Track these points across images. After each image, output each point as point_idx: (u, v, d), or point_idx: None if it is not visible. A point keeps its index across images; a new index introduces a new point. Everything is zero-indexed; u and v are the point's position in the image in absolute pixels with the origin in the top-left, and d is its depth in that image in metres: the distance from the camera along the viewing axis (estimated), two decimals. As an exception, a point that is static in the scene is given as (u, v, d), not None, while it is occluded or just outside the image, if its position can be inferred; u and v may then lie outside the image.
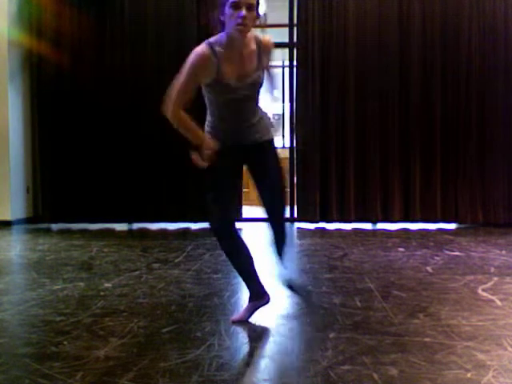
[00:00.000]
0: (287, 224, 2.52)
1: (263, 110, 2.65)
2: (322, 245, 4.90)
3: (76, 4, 6.32)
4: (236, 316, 2.61)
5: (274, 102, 10.35)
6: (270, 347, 2.24)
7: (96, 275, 3.62)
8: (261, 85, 2.55)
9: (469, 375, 1.91)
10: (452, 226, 6.17)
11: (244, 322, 2.56)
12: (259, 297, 2.61)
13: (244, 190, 6.59)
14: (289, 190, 6.68)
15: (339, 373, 1.93)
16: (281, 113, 11.44)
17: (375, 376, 1.90)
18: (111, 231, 6.04)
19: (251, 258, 2.64)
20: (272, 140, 2.65)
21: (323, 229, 6.08)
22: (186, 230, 6.09)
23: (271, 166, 2.63)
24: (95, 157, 6.34)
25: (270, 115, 2.69)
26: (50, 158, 6.42)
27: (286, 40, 6.56)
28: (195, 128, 2.48)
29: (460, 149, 6.16)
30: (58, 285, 3.34)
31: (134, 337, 2.34)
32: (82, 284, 3.36)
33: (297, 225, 6.34)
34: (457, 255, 4.29)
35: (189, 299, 2.98)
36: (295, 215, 6.49)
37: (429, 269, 3.75)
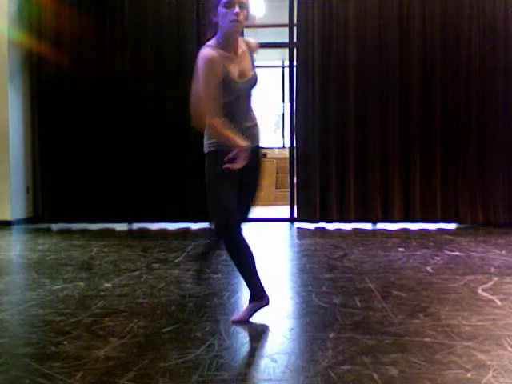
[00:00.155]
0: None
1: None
2: (322, 245, 4.90)
3: (76, 4, 6.32)
4: (236, 316, 2.61)
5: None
6: (270, 347, 2.24)
7: (96, 275, 3.62)
8: (255, 83, 2.62)
9: (469, 375, 1.91)
10: (452, 225, 6.17)
11: (244, 322, 2.56)
12: (259, 298, 2.62)
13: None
14: (289, 189, 6.69)
15: (339, 373, 1.93)
16: (281, 113, 11.44)
17: (375, 376, 1.90)
18: (111, 231, 6.04)
19: (254, 259, 2.65)
20: (260, 146, 2.74)
21: (323, 229, 6.08)
22: (186, 230, 6.09)
23: (259, 172, 2.71)
24: (95, 157, 6.34)
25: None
26: (50, 158, 6.42)
27: (286, 40, 6.57)
28: (232, 131, 2.49)
29: (460, 149, 6.16)
30: (58, 285, 3.34)
31: (133, 337, 2.34)
32: (81, 284, 3.36)
33: (297, 225, 6.35)
34: (457, 255, 4.29)
35: (189, 299, 2.98)
36: (295, 215, 6.49)
37: (429, 269, 3.75)
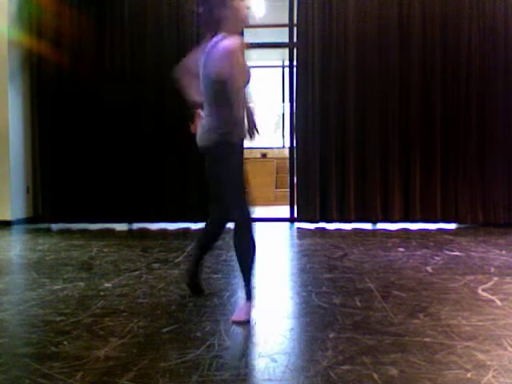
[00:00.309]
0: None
1: None
2: (322, 245, 4.90)
3: (76, 4, 6.33)
4: (236, 317, 2.61)
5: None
6: (270, 347, 2.24)
7: (96, 275, 3.62)
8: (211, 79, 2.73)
9: (469, 375, 1.91)
10: (452, 226, 6.17)
11: (244, 322, 2.56)
12: (252, 296, 2.66)
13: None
14: (289, 189, 6.70)
15: (339, 373, 1.93)
16: (281, 113, 11.45)
17: (375, 376, 1.90)
18: (111, 231, 6.04)
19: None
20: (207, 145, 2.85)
21: (323, 229, 6.08)
22: (186, 230, 6.09)
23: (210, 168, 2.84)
24: (95, 157, 6.34)
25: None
26: (50, 158, 6.42)
27: (286, 40, 6.57)
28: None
29: (460, 149, 6.16)
30: (58, 285, 3.34)
31: (134, 337, 2.34)
32: (82, 284, 3.36)
33: (297, 225, 6.35)
34: (457, 255, 4.29)
35: (189, 299, 2.98)
36: (295, 215, 6.49)
37: (429, 269, 3.75)
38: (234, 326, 2.51)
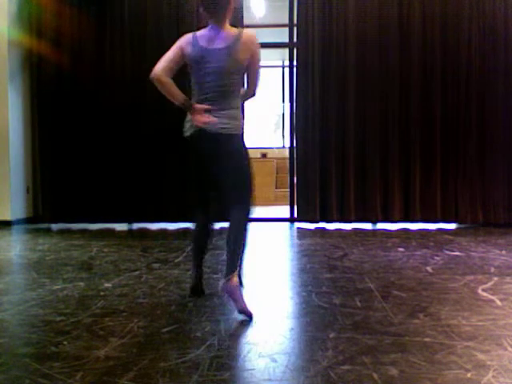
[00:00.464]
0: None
1: None
2: (322, 245, 4.90)
3: (76, 4, 6.33)
4: (240, 304, 2.60)
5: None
6: (270, 347, 2.24)
7: (96, 275, 3.62)
8: None
9: (469, 375, 1.91)
10: (452, 225, 6.17)
11: (244, 319, 2.58)
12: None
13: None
14: (289, 189, 6.70)
15: (339, 373, 1.93)
16: (281, 113, 11.45)
17: (375, 376, 1.90)
18: (111, 231, 6.04)
19: None
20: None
21: (323, 229, 6.08)
22: (186, 230, 6.08)
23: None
24: (95, 157, 6.35)
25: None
26: (50, 158, 6.43)
27: (286, 40, 6.57)
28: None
29: (460, 149, 6.16)
30: (57, 285, 3.34)
31: (133, 337, 2.34)
32: (82, 284, 3.36)
33: (297, 225, 6.35)
34: (457, 255, 4.29)
35: (189, 299, 2.98)
36: (295, 215, 6.49)
37: (429, 269, 3.75)
38: (233, 326, 2.51)
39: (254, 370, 2.00)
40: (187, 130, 2.82)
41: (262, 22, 8.36)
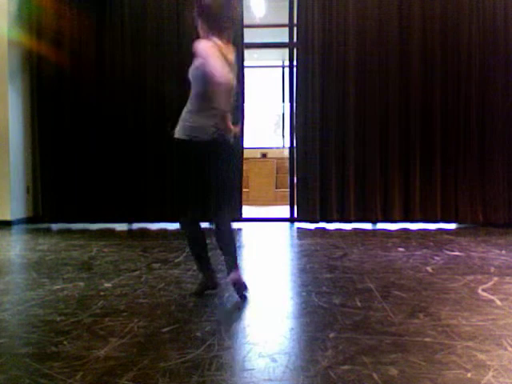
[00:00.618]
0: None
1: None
2: (322, 245, 4.89)
3: (76, 4, 6.33)
4: (237, 275, 2.90)
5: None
6: (270, 347, 2.24)
7: (96, 275, 3.62)
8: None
9: (469, 375, 1.91)
10: (452, 225, 6.17)
11: (242, 307, 2.72)
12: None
13: (244, 190, 6.59)
14: (289, 189, 6.70)
15: (339, 373, 1.93)
16: (281, 113, 11.45)
17: (375, 376, 1.90)
18: (111, 231, 6.04)
19: None
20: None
21: (323, 229, 6.08)
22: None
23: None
24: (95, 157, 6.34)
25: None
26: (50, 158, 6.42)
27: (286, 40, 6.57)
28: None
29: (460, 149, 6.16)
30: (57, 285, 3.34)
31: (133, 337, 2.34)
32: (81, 284, 3.36)
33: (297, 225, 6.35)
34: (457, 255, 4.29)
35: (189, 299, 2.98)
36: (295, 215, 6.49)
37: (429, 269, 3.75)
38: (233, 326, 2.51)
39: (253, 369, 2.00)
40: (211, 134, 2.83)
41: (261, 22, 8.36)
